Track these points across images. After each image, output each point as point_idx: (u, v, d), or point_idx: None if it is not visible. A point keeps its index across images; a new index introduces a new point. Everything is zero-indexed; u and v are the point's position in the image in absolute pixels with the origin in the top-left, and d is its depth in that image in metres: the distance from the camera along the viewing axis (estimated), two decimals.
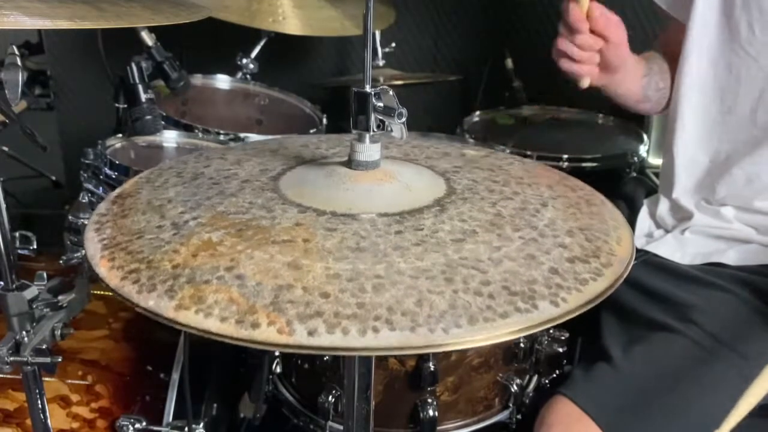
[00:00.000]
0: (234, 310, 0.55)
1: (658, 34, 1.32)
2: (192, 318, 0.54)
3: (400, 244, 0.63)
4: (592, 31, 1.08)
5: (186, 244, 0.63)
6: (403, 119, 0.71)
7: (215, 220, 0.68)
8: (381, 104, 0.72)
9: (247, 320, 0.54)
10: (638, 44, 1.23)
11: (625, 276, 0.64)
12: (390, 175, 0.76)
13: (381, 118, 0.72)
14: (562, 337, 1.18)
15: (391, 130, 0.72)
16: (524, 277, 0.59)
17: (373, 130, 0.73)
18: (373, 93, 0.72)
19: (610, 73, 1.14)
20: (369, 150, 0.75)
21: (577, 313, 0.57)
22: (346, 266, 0.59)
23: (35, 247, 1.33)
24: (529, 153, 1.55)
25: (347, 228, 0.66)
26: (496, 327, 0.54)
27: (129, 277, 0.60)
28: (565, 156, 1.57)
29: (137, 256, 0.62)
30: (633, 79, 1.19)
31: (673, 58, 1.23)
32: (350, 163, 0.76)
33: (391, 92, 0.72)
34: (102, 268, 0.62)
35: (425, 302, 0.55)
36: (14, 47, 1.01)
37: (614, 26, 1.09)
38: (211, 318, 0.54)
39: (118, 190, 0.78)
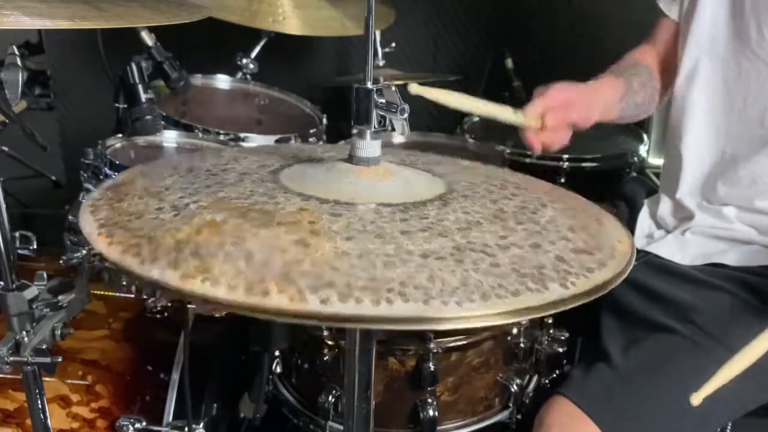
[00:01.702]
0: (242, 278, 0.52)
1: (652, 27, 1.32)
2: (199, 286, 0.52)
3: (407, 229, 0.62)
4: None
5: (188, 223, 0.60)
6: (405, 115, 0.71)
7: (217, 204, 0.65)
8: (383, 100, 0.72)
9: (257, 288, 0.51)
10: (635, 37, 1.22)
11: (630, 267, 0.63)
12: (390, 172, 0.76)
13: (383, 114, 0.72)
14: (562, 337, 1.18)
15: (393, 129, 0.72)
16: (532, 263, 0.59)
17: (375, 127, 0.73)
18: (374, 89, 0.72)
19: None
20: (370, 146, 0.74)
21: (586, 299, 0.57)
22: (355, 246, 0.58)
23: (35, 247, 1.33)
24: (529, 153, 1.55)
25: (352, 214, 0.64)
26: (509, 304, 0.53)
27: (130, 251, 0.56)
28: (565, 156, 1.57)
29: (137, 233, 0.59)
30: (607, 110, 1.18)
31: (663, 58, 1.24)
32: (351, 159, 0.75)
33: (393, 88, 0.72)
34: (100, 243, 0.58)
35: (437, 279, 0.54)
36: (14, 47, 1.01)
37: (572, 120, 1.08)
38: (218, 286, 0.52)
39: (110, 181, 0.74)
